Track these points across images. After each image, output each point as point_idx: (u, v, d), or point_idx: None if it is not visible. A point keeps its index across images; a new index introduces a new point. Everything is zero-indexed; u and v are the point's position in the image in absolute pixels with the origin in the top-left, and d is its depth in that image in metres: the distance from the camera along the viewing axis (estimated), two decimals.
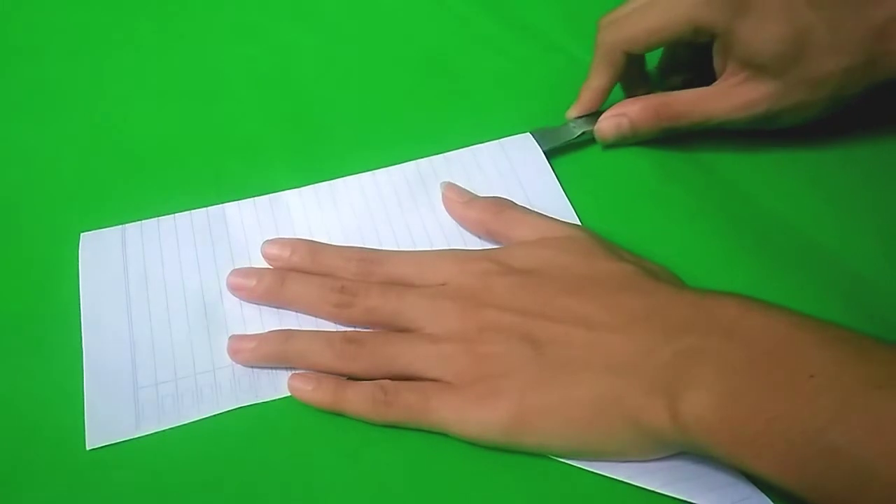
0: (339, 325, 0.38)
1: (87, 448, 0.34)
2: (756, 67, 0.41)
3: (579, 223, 0.41)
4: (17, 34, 0.54)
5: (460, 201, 0.41)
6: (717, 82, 0.43)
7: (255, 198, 0.43)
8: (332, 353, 0.36)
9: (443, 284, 0.37)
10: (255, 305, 0.39)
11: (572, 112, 0.46)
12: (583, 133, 0.45)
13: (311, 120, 0.48)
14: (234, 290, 0.39)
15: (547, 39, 0.52)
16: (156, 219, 0.42)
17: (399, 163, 0.45)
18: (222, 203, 0.43)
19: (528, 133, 0.46)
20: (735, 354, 0.30)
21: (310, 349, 0.36)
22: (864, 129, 0.46)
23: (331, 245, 0.40)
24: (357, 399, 0.35)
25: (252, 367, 0.36)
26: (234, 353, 0.37)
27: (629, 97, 0.46)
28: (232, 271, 0.39)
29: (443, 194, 0.42)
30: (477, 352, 0.34)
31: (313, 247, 0.40)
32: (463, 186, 0.43)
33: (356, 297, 0.37)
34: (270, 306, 0.39)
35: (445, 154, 0.45)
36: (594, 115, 0.46)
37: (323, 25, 0.54)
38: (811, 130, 0.43)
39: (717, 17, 0.40)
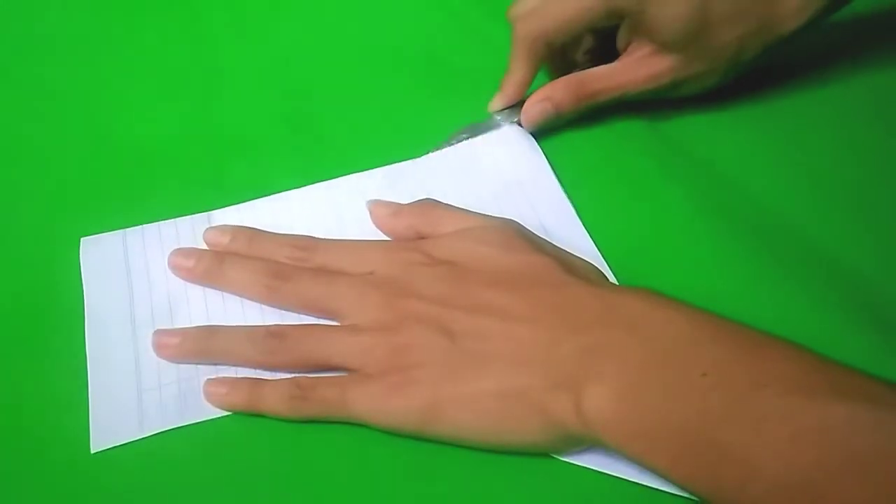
0: (284, 314, 0.38)
1: (92, 451, 0.34)
2: (660, 43, 0.44)
3: (574, 213, 0.42)
4: (17, 34, 0.54)
5: (388, 213, 0.41)
6: (622, 57, 0.46)
7: (255, 200, 0.43)
8: (254, 348, 0.36)
9: (370, 273, 0.38)
10: (255, 308, 0.38)
11: (496, 104, 0.47)
12: (509, 125, 0.46)
13: (311, 120, 0.48)
14: (175, 269, 0.40)
15: None
16: (157, 223, 0.42)
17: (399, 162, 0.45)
18: (223, 205, 0.43)
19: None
20: (635, 350, 0.31)
21: (232, 345, 0.37)
22: (865, 129, 0.46)
23: (269, 232, 0.41)
24: (272, 397, 0.35)
25: (178, 363, 0.37)
26: (159, 348, 0.37)
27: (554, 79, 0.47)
28: (174, 251, 0.40)
29: (370, 211, 0.42)
30: (395, 342, 0.35)
31: (251, 233, 0.41)
32: (459, 182, 0.43)
33: (288, 280, 0.38)
34: (211, 287, 0.39)
35: (442, 150, 0.45)
36: (517, 106, 0.46)
37: (322, 25, 0.54)
38: (813, 130, 0.43)
39: (629, 1, 0.43)
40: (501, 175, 0.44)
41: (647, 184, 0.44)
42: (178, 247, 0.41)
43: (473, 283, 0.36)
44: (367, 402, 0.34)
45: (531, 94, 0.46)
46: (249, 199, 0.43)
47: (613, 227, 0.41)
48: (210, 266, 0.39)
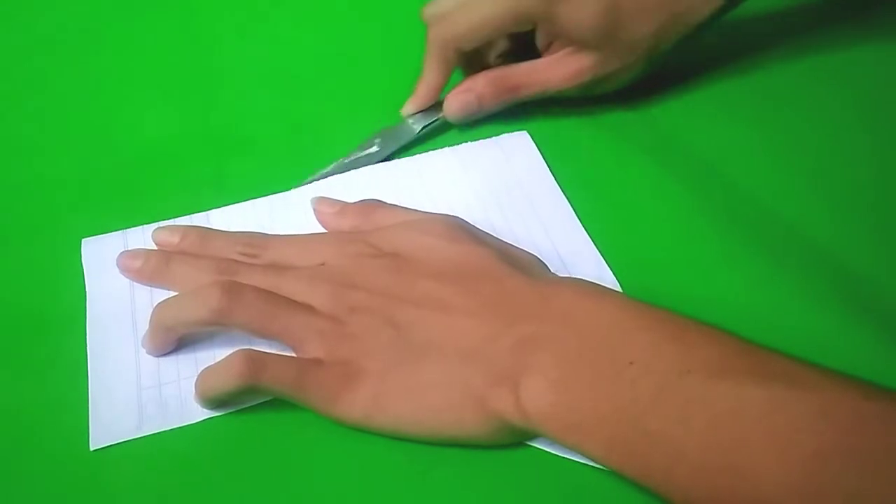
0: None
1: (91, 449, 0.34)
2: (578, 43, 0.44)
3: (577, 220, 0.42)
4: (17, 34, 0.54)
5: (332, 212, 0.41)
6: (545, 56, 0.46)
7: (255, 199, 0.43)
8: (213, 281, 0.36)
9: (321, 265, 0.38)
10: None
11: (409, 108, 0.47)
12: (423, 128, 0.46)
13: (311, 120, 0.48)
14: (124, 271, 0.40)
15: None
16: (157, 223, 0.42)
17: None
18: (222, 204, 0.43)
19: (524, 131, 0.46)
20: (567, 341, 0.32)
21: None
22: (865, 129, 0.46)
23: (221, 231, 0.41)
24: (230, 364, 0.34)
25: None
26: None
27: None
28: (121, 253, 0.40)
29: (314, 208, 0.42)
30: (345, 332, 0.35)
31: (203, 232, 0.41)
32: (458, 182, 0.43)
33: (236, 276, 0.37)
34: (160, 288, 0.39)
35: (442, 150, 0.45)
36: (431, 109, 0.47)
37: (323, 25, 0.55)
38: (813, 130, 0.43)
39: (537, 5, 0.43)
40: (501, 175, 0.44)
41: (647, 184, 0.44)
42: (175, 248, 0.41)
43: (418, 275, 0.36)
44: (320, 391, 0.34)
45: (449, 90, 0.46)
46: (249, 199, 0.43)
47: (614, 227, 0.41)
48: (157, 266, 0.39)
